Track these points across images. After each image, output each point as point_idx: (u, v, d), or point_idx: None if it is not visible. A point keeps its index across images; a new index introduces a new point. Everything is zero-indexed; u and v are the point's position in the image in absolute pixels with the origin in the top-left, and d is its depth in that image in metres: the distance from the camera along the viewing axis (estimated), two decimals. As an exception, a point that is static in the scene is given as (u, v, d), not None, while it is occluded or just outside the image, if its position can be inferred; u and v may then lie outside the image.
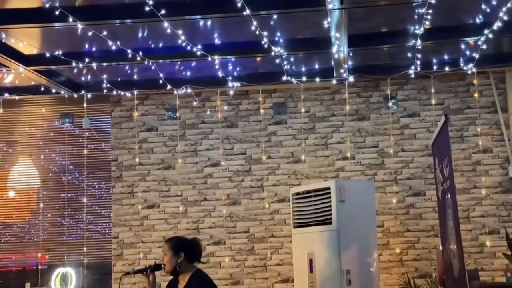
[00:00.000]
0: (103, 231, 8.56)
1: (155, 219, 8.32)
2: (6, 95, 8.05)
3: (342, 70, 7.40)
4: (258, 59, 7.28)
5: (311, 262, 6.86)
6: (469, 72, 7.64)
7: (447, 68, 7.54)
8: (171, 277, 5.00)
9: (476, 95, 7.97)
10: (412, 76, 7.70)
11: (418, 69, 7.50)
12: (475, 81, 7.91)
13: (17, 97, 8.21)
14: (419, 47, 6.75)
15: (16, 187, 8.71)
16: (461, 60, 7.48)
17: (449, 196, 5.14)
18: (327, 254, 6.74)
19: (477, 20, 6.42)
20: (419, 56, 7.07)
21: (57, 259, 8.58)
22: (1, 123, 8.74)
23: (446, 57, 7.51)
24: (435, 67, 7.59)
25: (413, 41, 6.62)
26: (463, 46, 7.05)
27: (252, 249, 8.14)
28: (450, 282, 5.52)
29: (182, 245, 4.97)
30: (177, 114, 8.38)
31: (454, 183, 4.91)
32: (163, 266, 4.97)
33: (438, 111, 7.98)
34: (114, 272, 8.24)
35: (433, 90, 7.96)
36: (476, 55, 7.10)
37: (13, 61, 6.70)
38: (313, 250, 6.86)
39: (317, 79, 7.75)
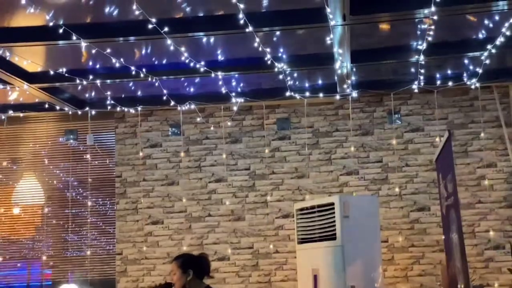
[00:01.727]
0: (107, 248, 8.55)
1: (159, 235, 8.31)
2: (11, 112, 8.08)
3: (345, 86, 7.40)
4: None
5: (315, 278, 6.83)
6: (473, 87, 7.63)
7: (450, 83, 7.53)
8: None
9: (480, 109, 7.96)
10: (416, 91, 7.68)
11: (422, 84, 7.49)
12: (479, 96, 7.91)
13: (21, 114, 8.24)
14: (422, 62, 6.75)
15: (20, 204, 8.71)
16: (465, 75, 7.47)
17: (453, 211, 5.13)
18: (332, 270, 6.71)
19: (480, 35, 6.43)
20: (422, 71, 7.07)
21: (61, 276, 8.56)
22: (6, 140, 8.77)
23: (449, 72, 7.50)
24: (438, 82, 7.59)
25: (416, 57, 6.62)
26: (466, 61, 7.06)
27: (256, 265, 8.12)
28: (455, 298, 5.49)
29: (190, 262, 4.99)
30: (181, 130, 8.39)
31: (458, 199, 4.89)
32: (172, 285, 4.99)
33: (442, 125, 7.98)
34: (118, 289, 8.23)
35: (436, 105, 7.96)
36: (480, 70, 7.10)
37: (17, 78, 6.72)
38: (317, 266, 6.83)
39: (321, 95, 7.76)
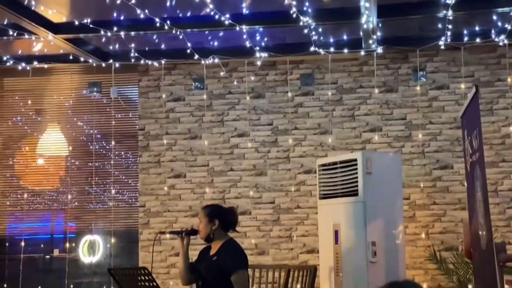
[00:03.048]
0: (130, 200, 8.64)
1: (182, 188, 8.36)
2: (35, 63, 8.11)
3: (370, 41, 7.32)
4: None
5: (336, 233, 6.87)
6: (501, 44, 7.51)
7: (478, 40, 7.41)
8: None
9: (507, 67, 7.83)
10: (442, 47, 7.57)
11: (449, 40, 7.38)
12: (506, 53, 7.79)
13: (46, 65, 8.26)
14: (450, 18, 6.64)
15: (44, 155, 8.79)
16: (493, 31, 7.34)
17: (477, 168, 5.09)
18: (353, 226, 6.74)
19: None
20: (449, 27, 6.95)
21: (85, 227, 8.68)
22: (30, 91, 8.81)
23: (477, 28, 7.37)
24: (465, 39, 7.47)
25: (444, 12, 6.51)
26: (495, 17, 6.93)
27: (277, 220, 8.17)
28: (477, 254, 5.49)
29: (217, 213, 5.06)
30: (204, 84, 8.37)
31: (483, 155, 4.84)
32: (198, 232, 5.06)
33: (467, 83, 7.88)
34: (141, 240, 8.33)
35: (463, 62, 7.85)
36: (508, 27, 6.97)
37: (42, 29, 6.73)
38: (338, 222, 6.86)
39: (345, 50, 7.68)
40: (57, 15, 6.66)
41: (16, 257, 8.46)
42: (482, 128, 6.26)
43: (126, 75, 8.58)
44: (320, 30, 7.26)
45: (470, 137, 5.36)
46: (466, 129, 5.74)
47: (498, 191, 7.77)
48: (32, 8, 6.38)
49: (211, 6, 6.23)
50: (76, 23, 6.75)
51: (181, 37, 7.06)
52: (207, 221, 5.02)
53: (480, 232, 5.22)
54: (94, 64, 8.17)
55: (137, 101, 8.62)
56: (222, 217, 5.05)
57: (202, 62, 8.02)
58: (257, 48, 7.70)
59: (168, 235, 5.50)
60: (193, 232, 5.14)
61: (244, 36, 7.15)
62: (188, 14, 6.83)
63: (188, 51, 7.60)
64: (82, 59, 7.94)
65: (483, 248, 5.07)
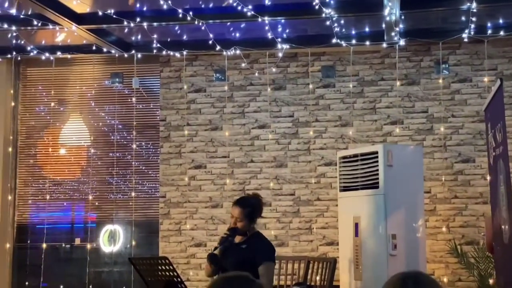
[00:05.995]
0: (150, 191, 8.67)
1: (202, 179, 8.38)
2: (59, 54, 8.17)
3: (393, 33, 7.27)
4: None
5: (356, 225, 6.85)
6: (525, 37, 7.44)
7: (502, 33, 7.34)
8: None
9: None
10: (465, 40, 7.51)
11: (472, 33, 7.32)
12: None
13: (69, 56, 8.33)
14: (474, 10, 6.59)
15: (66, 145, 8.86)
16: (517, 24, 7.29)
17: (501, 161, 5.06)
18: (373, 218, 6.72)
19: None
20: (473, 19, 6.89)
21: (106, 217, 8.73)
22: (54, 81, 8.87)
23: (501, 21, 7.30)
24: (489, 31, 7.40)
25: (468, 4, 6.46)
26: (519, 10, 6.88)
27: (297, 212, 8.17)
28: (500, 248, 5.46)
29: (256, 212, 5.14)
30: (226, 76, 8.38)
31: (507, 149, 4.82)
32: (238, 230, 5.14)
33: (490, 76, 7.81)
34: (161, 230, 8.37)
35: (486, 55, 7.78)
36: (533, 20, 6.91)
37: (66, 19, 6.77)
38: (359, 214, 6.85)
39: (367, 42, 7.65)
40: (80, 6, 6.70)
41: (38, 245, 8.54)
42: (506, 121, 6.21)
43: (148, 65, 8.61)
44: (342, 22, 7.23)
45: (494, 131, 5.33)
46: (490, 123, 5.71)
47: (521, 185, 7.71)
48: (57, -2, 6.43)
49: (233, -3, 6.24)
50: (100, 13, 6.79)
51: (203, 28, 7.07)
52: (248, 221, 5.13)
53: (502, 226, 5.19)
54: (117, 55, 8.21)
55: (158, 92, 8.65)
56: (260, 214, 5.17)
57: (224, 53, 8.02)
58: (279, 39, 7.69)
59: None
60: (234, 232, 5.17)
61: (266, 28, 7.15)
62: (211, 5, 6.84)
63: (210, 42, 7.61)
64: (104, 49, 7.98)
65: (505, 242, 5.05)
